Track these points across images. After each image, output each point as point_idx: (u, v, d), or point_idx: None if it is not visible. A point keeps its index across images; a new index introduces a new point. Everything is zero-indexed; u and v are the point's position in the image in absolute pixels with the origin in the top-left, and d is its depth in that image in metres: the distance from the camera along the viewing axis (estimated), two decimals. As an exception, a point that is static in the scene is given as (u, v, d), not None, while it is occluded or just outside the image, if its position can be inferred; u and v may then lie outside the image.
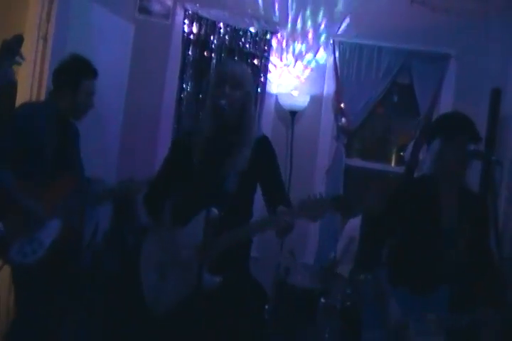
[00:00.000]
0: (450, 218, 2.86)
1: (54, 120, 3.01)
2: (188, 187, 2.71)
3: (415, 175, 4.73)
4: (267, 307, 4.15)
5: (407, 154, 4.78)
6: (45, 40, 3.72)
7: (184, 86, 4.96)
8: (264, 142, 2.77)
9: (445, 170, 2.86)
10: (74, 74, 3.02)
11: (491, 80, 4.77)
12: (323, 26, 5.18)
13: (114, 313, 3.45)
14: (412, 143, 4.89)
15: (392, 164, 5.48)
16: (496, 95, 4.59)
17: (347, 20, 5.12)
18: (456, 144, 2.81)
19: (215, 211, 2.49)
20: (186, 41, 4.98)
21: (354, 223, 4.69)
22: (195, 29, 5.00)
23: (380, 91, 5.09)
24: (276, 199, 2.69)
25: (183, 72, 4.96)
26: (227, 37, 5.05)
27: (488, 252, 2.94)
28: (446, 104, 5.00)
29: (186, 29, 4.98)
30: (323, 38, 5.18)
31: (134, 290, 2.71)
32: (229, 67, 2.72)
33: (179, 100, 4.94)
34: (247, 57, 5.07)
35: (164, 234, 2.70)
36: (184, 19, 4.98)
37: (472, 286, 2.86)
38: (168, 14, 5.01)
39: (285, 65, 5.17)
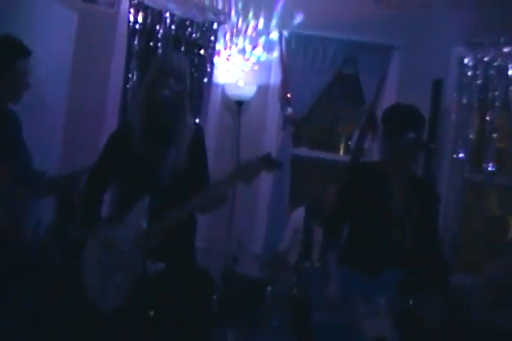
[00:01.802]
0: (400, 204, 2.94)
1: None
2: (126, 177, 2.74)
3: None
4: (214, 297, 4.17)
5: (352, 143, 4.86)
6: (-17, 29, 3.62)
7: (130, 76, 4.90)
8: (197, 132, 2.81)
9: (394, 159, 2.94)
10: (6, 54, 2.95)
11: (433, 71, 4.88)
12: (270, 16, 5.20)
13: (57, 307, 3.41)
14: (357, 132, 4.97)
15: (341, 153, 5.56)
16: (438, 86, 4.72)
17: (294, 11, 5.16)
18: (405, 135, 2.88)
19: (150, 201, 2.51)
20: (132, 31, 4.90)
21: (299, 214, 4.76)
22: (140, 18, 4.93)
23: (326, 82, 5.16)
24: (199, 185, 2.73)
25: (128, 62, 4.89)
26: (173, 27, 5.00)
27: (435, 237, 3.04)
28: (390, 94, 5.10)
29: (132, 18, 4.90)
30: (270, 28, 5.20)
31: (77, 284, 2.70)
32: (175, 60, 2.75)
33: (125, 90, 4.88)
34: (194, 48, 5.04)
35: (106, 229, 2.70)
36: (129, 8, 4.90)
37: (419, 270, 2.95)
38: (113, 3, 4.92)
39: (232, 55, 5.17)
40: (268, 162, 2.62)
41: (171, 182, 2.65)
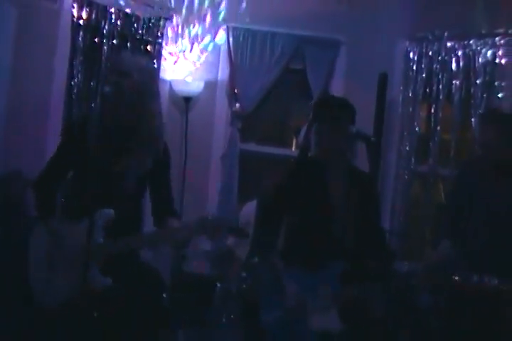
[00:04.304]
0: (338, 197, 2.95)
1: None
2: (81, 180, 2.68)
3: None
4: (164, 295, 4.13)
5: (299, 137, 4.88)
6: None
7: (75, 73, 4.80)
8: (165, 152, 2.81)
9: (324, 151, 2.96)
10: None
11: (379, 65, 4.95)
12: (216, 12, 5.17)
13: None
14: (305, 127, 4.99)
15: (293, 148, 5.57)
16: (383, 79, 4.78)
17: (241, 6, 5.15)
18: (330, 125, 2.91)
19: (109, 212, 2.48)
20: (76, 27, 4.79)
21: (250, 208, 4.74)
22: (85, 14, 4.82)
23: (273, 76, 5.17)
24: (163, 210, 2.73)
25: (72, 59, 4.78)
26: (119, 23, 4.93)
27: (377, 228, 3.07)
28: (337, 88, 5.15)
29: (75, 14, 4.79)
30: (217, 23, 5.18)
31: (21, 283, 2.65)
32: (119, 56, 2.78)
33: (69, 88, 4.78)
34: (140, 44, 4.98)
35: (55, 228, 2.65)
36: (73, 3, 4.79)
37: (362, 262, 2.97)
38: (56, -3, 4.82)
39: (179, 52, 5.13)
40: (239, 232, 2.71)
41: (130, 196, 2.63)
